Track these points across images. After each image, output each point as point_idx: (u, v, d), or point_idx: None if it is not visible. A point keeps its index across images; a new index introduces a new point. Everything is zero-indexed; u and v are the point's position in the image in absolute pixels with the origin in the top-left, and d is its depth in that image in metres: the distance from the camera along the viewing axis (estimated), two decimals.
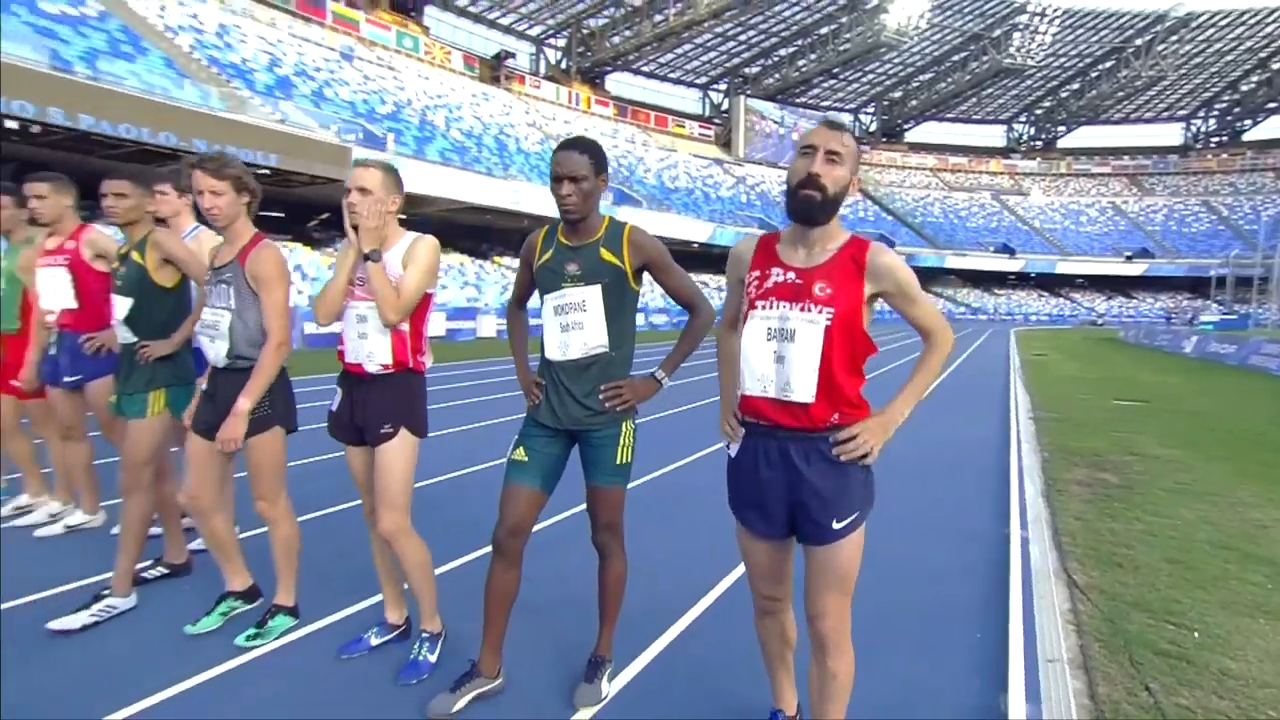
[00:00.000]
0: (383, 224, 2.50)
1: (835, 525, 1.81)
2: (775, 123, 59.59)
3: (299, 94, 25.38)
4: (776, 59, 57.81)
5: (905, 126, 68.78)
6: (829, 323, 1.76)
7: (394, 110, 30.06)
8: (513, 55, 47.40)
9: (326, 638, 2.74)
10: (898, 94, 65.19)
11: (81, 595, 2.94)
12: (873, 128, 67.47)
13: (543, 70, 50.47)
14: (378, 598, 2.83)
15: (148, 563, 3.27)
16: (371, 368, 2.51)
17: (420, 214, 26.91)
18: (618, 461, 2.35)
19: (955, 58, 59.74)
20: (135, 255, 3.00)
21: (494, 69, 45.26)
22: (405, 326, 2.53)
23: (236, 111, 19.90)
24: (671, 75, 58.21)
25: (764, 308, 1.83)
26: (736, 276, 1.96)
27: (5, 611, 2.85)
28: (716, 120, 60.18)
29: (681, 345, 2.37)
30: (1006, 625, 2.91)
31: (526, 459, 2.36)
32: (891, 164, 67.68)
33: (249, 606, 2.90)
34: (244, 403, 2.63)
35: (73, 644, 2.65)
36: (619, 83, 55.21)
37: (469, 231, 31.43)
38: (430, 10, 43.56)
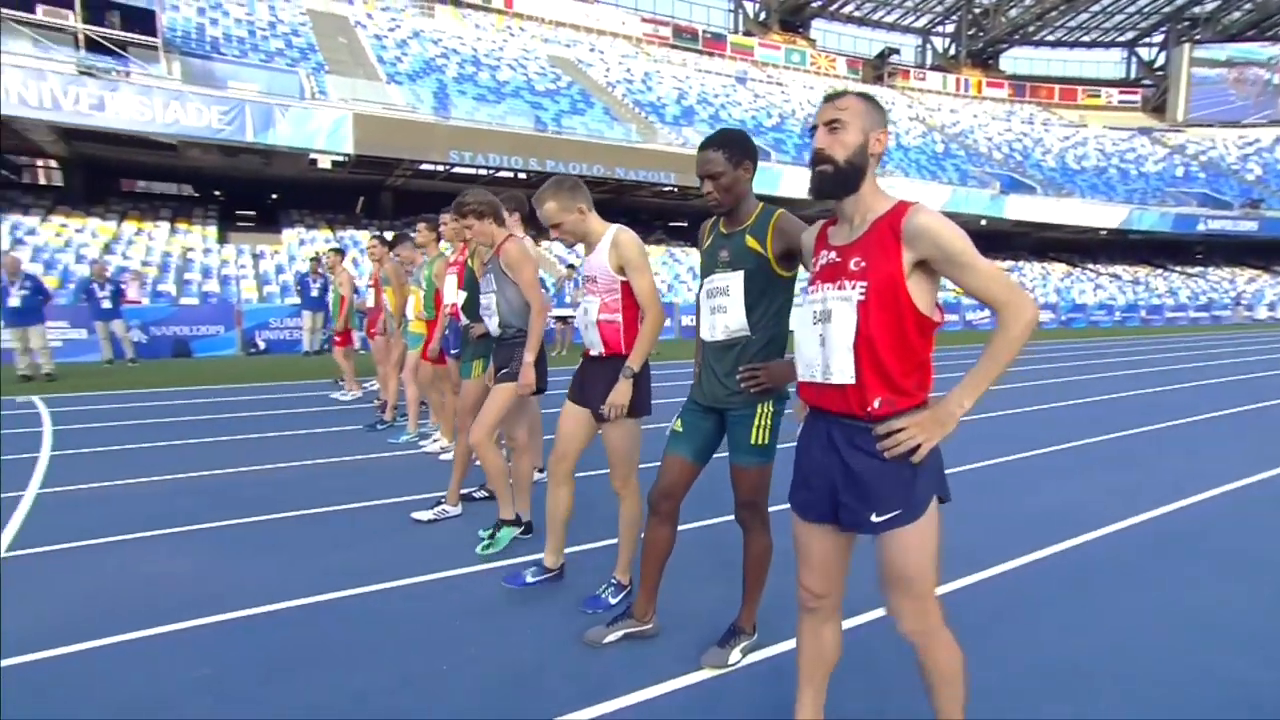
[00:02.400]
0: (586, 232, 2.86)
1: (874, 518, 1.67)
2: (1241, 67, 46.40)
3: (699, 119, 28.75)
4: None
5: None
6: (862, 297, 1.63)
7: (778, 122, 31.96)
8: (896, 51, 45.88)
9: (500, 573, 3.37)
10: None
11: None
12: None
13: (929, 61, 47.81)
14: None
15: (474, 487, 4.52)
16: (594, 352, 2.89)
17: (801, 217, 28.30)
18: (752, 441, 2.36)
19: None
20: (470, 262, 4.12)
21: (877, 68, 44.49)
22: (619, 318, 2.81)
23: (649, 141, 23.66)
24: (1085, 39, 49.83)
25: (810, 293, 1.76)
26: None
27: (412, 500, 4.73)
28: (1146, 82, 49.72)
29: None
30: None
31: (681, 430, 2.50)
32: None
33: (515, 532, 3.72)
34: (529, 355, 3.35)
35: (418, 529, 4.01)
36: (1016, 60, 49.28)
37: None
38: (817, 23, 44.68)
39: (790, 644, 2.54)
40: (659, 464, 2.57)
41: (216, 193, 23.79)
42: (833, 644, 1.91)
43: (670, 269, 23.61)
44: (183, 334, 13.76)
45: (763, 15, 42.00)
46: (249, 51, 22.13)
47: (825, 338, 1.68)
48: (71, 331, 12.65)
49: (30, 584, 3.28)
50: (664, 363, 11.45)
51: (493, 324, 3.60)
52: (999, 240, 32.83)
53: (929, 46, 48.26)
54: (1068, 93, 47.87)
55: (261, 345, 14.49)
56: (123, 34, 17.94)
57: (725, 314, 2.35)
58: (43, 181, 23.64)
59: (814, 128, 1.75)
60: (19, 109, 15.14)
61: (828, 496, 1.74)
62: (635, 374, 2.77)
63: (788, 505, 1.87)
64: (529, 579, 3.20)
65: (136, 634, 2.80)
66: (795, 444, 1.87)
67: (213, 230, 19.81)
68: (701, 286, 2.46)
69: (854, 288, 1.64)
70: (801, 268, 2.27)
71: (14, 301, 9.89)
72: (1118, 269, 35.40)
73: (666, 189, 23.51)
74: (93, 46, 17.34)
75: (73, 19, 17.22)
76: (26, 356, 10.11)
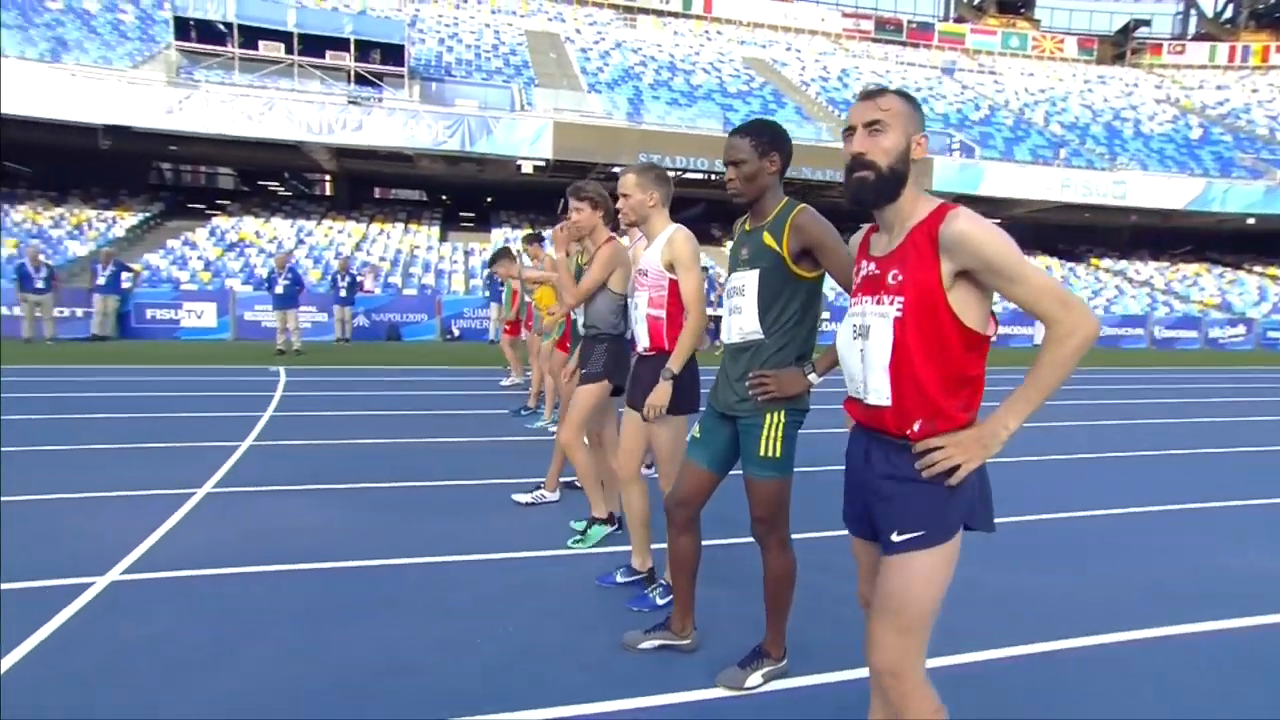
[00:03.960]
0: (647, 218, 2.81)
1: (895, 537, 1.52)
2: None
3: None
4: None
5: None
6: (899, 314, 1.49)
7: (987, 115, 29.00)
8: (1147, 22, 39.43)
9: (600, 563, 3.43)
10: None
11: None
12: None
13: (1191, 30, 40.48)
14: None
15: (573, 478, 4.45)
16: (639, 349, 2.88)
17: (1007, 216, 25.47)
18: (761, 452, 2.19)
19: None
20: (579, 259, 3.95)
21: (1118, 45, 38.59)
22: (664, 314, 2.76)
23: (840, 140, 22.59)
24: None
25: (852, 305, 1.65)
26: None
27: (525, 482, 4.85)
28: None
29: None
30: None
31: (699, 436, 2.37)
32: None
33: (606, 531, 3.76)
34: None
35: (515, 510, 4.19)
36: None
37: (1062, 232, 28.14)
38: (1043, 1, 39.75)
39: (821, 678, 2.45)
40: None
41: (443, 197, 26.71)
42: None
43: None
44: (395, 320, 15.72)
45: None
46: (473, 72, 24.53)
47: (865, 353, 1.58)
48: (318, 315, 14.98)
49: (209, 516, 3.96)
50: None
51: (579, 322, 3.69)
52: (1272, 242, 27.08)
53: (1193, 11, 40.82)
54: None
55: (456, 333, 16.09)
56: (380, 67, 20.85)
57: (740, 315, 2.23)
58: (317, 193, 28.14)
59: (848, 129, 1.60)
60: (306, 135, 18.22)
61: (865, 512, 1.64)
62: (675, 375, 2.70)
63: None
64: (619, 579, 3.21)
65: (258, 568, 3.27)
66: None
67: (436, 230, 22.28)
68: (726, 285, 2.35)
69: (891, 303, 1.52)
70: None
71: (279, 289, 11.93)
72: None
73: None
74: (358, 80, 20.35)
75: (348, 59, 20.33)
76: (284, 335, 12.14)
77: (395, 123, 18.76)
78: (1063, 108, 31.72)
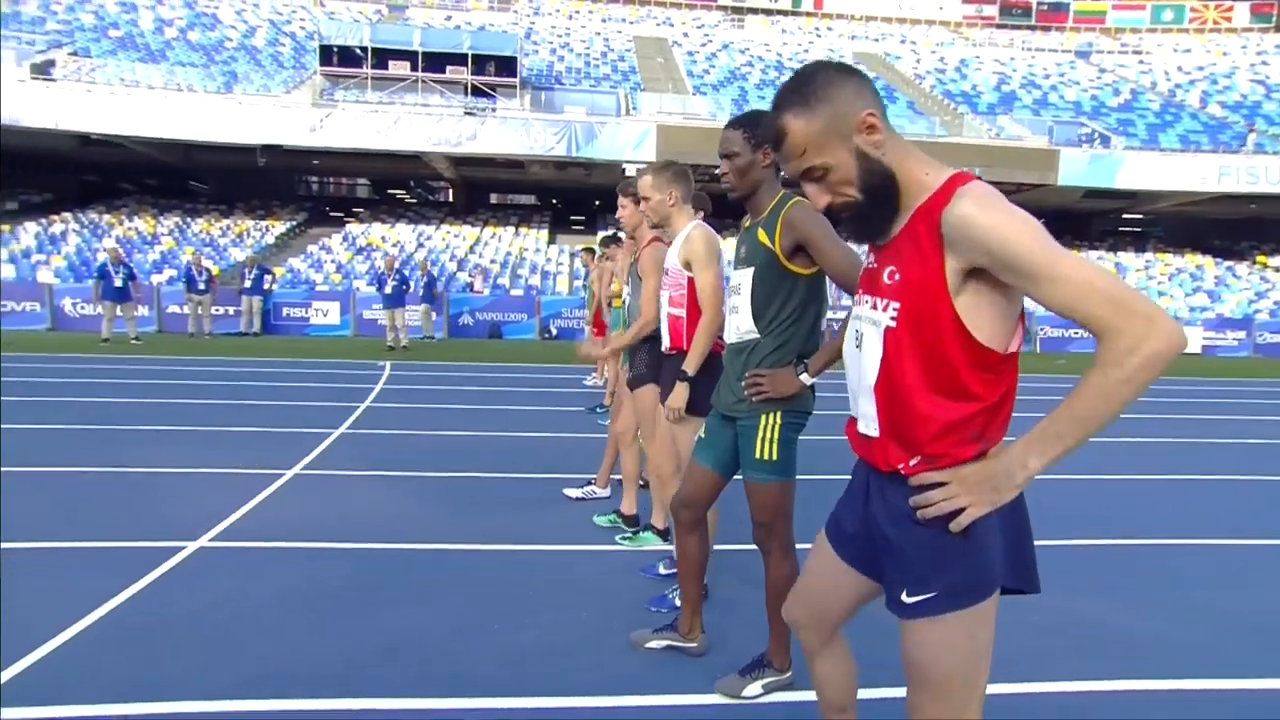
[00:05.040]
0: (668, 218, 2.77)
1: (905, 598, 1.24)
2: None
3: (1020, 105, 25.03)
4: None
5: None
6: (892, 323, 1.19)
7: (1127, 100, 26.31)
8: None
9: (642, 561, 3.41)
10: None
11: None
12: None
13: None
14: None
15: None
16: (664, 346, 2.87)
17: (1149, 211, 23.03)
18: (757, 455, 2.11)
19: None
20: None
21: None
22: (683, 313, 2.71)
23: (954, 134, 21.28)
24: None
25: (854, 306, 1.37)
26: None
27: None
28: None
29: None
30: None
31: (704, 436, 2.33)
32: None
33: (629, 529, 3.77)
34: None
35: (564, 504, 4.24)
36: None
37: (1219, 227, 25.03)
38: None
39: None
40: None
41: (553, 200, 27.57)
42: (832, 677, 1.58)
43: None
44: (497, 319, 16.40)
45: None
46: (582, 79, 25.15)
47: (860, 367, 1.28)
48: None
49: (292, 495, 4.30)
50: None
51: (622, 315, 3.72)
52: None
53: None
54: None
55: (554, 332, 16.56)
56: (494, 79, 21.89)
57: (737, 314, 2.18)
58: (440, 199, 29.85)
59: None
60: (427, 145, 19.42)
61: (854, 543, 1.39)
62: (689, 377, 2.63)
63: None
64: (662, 570, 3.22)
65: (321, 544, 3.52)
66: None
67: (544, 233, 23.03)
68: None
69: (884, 309, 1.21)
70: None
71: (387, 290, 12.79)
72: None
73: None
74: (474, 91, 21.47)
75: (465, 73, 21.52)
76: (393, 332, 12.99)
77: (507, 131, 19.59)
78: (1226, 86, 28.19)
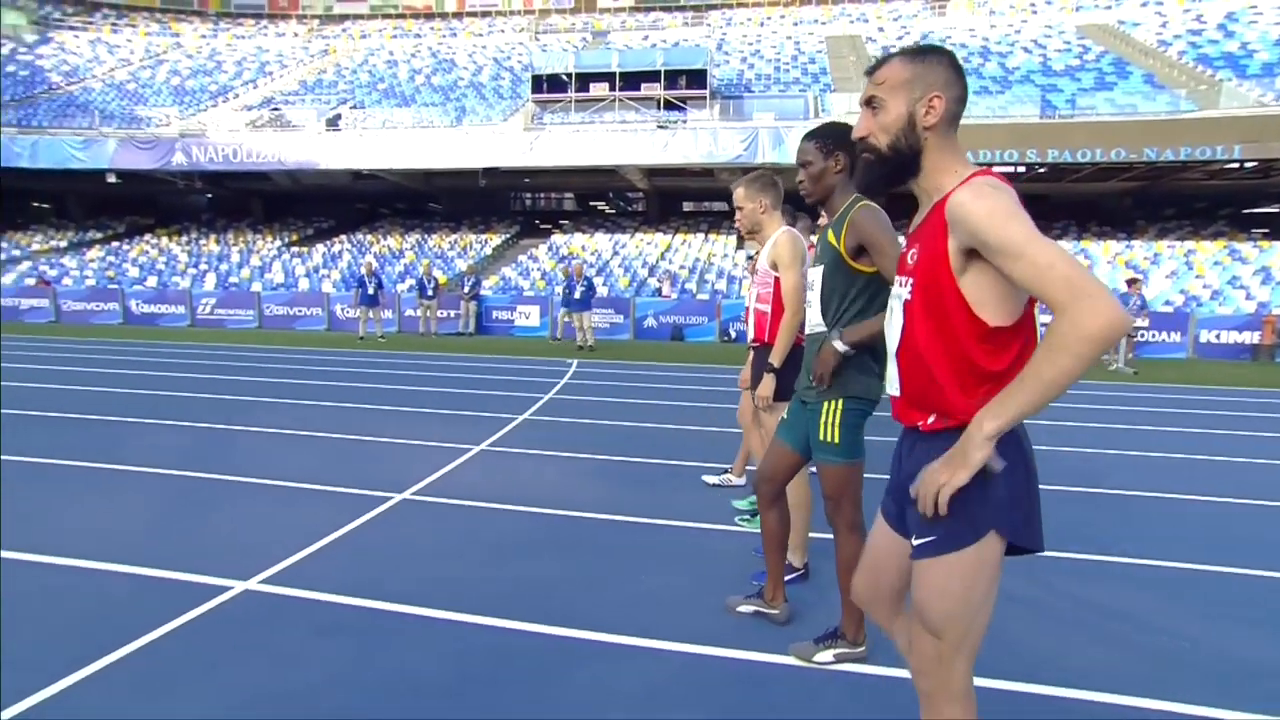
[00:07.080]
0: (759, 225, 3.01)
1: (915, 540, 1.40)
2: None
3: None
4: None
5: None
6: (909, 296, 1.39)
7: None
8: None
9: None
10: None
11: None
12: None
13: None
14: None
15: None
16: (749, 339, 3.20)
17: None
18: (821, 437, 2.30)
19: None
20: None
21: None
22: (768, 309, 3.00)
23: (1208, 107, 18.07)
24: None
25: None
26: None
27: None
28: None
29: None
30: None
31: (786, 419, 2.53)
32: None
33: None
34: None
35: (702, 489, 4.32)
36: None
37: None
38: None
39: (890, 672, 2.39)
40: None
41: None
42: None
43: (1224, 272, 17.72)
44: (680, 322, 17.01)
45: None
46: (771, 85, 25.11)
47: (889, 335, 1.50)
48: (615, 316, 17.07)
49: (477, 465, 5.11)
50: None
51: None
52: None
53: None
54: None
55: (733, 334, 16.78)
56: (685, 91, 22.76)
57: (811, 308, 2.40)
58: (638, 209, 31.46)
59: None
60: (623, 158, 20.76)
61: (901, 504, 1.52)
62: (775, 369, 2.85)
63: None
64: None
65: (490, 504, 4.21)
66: None
67: (733, 239, 23.37)
68: None
69: (905, 285, 1.41)
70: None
71: (576, 294, 13.96)
72: None
73: (1230, 166, 17.73)
74: (666, 105, 22.50)
75: (658, 89, 22.65)
76: (583, 334, 14.13)
77: (695, 140, 20.26)
78: None
